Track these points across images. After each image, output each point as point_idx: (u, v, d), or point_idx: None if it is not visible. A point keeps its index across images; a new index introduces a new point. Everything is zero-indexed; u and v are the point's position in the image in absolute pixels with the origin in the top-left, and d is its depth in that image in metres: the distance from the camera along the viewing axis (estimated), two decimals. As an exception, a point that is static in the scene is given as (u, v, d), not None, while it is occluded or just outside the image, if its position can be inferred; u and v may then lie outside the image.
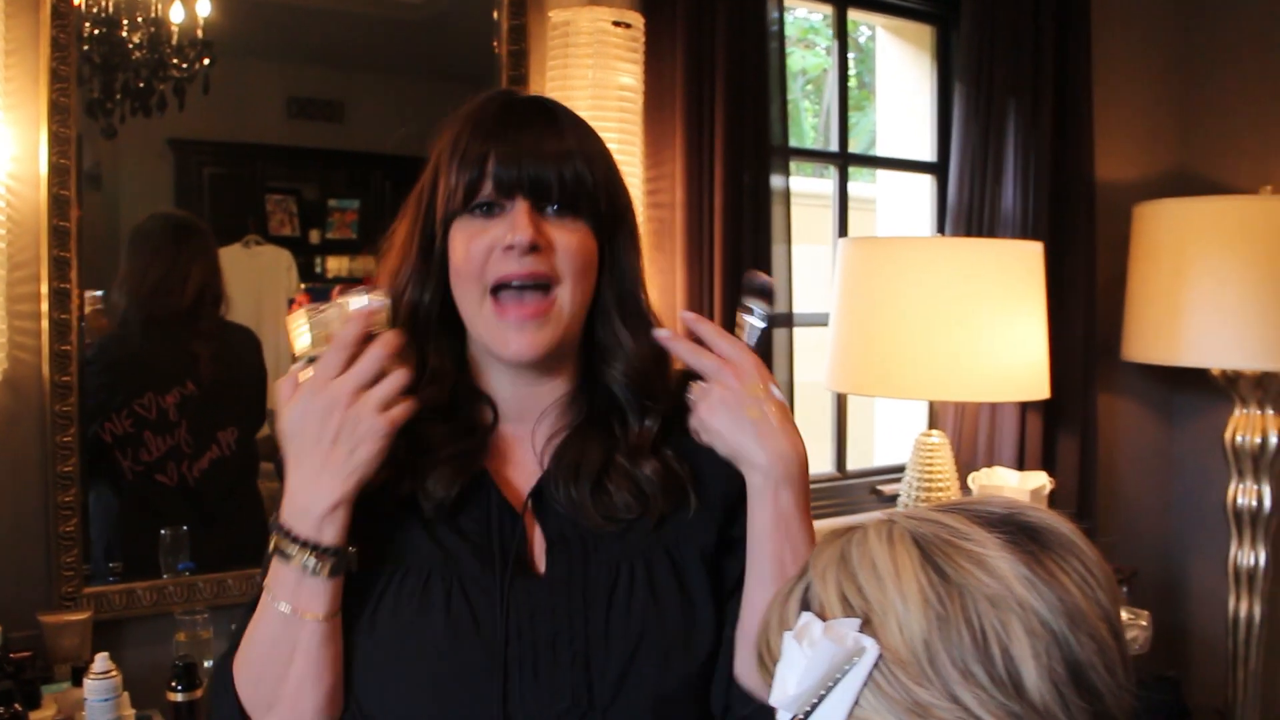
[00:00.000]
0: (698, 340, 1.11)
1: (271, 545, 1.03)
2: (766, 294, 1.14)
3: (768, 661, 0.81)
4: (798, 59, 5.71)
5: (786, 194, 2.64)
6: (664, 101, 2.42)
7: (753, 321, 1.12)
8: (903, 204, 3.35)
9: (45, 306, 1.93)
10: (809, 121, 6.02)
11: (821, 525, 1.00)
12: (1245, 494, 3.04)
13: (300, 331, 1.04)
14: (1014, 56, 2.94)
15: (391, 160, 2.28)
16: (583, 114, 2.23)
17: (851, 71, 3.57)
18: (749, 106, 2.51)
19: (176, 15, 2.04)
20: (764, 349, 1.15)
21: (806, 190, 3.93)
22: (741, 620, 1.10)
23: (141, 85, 2.02)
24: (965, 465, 2.89)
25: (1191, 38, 3.54)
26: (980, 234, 2.94)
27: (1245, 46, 3.41)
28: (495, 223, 1.08)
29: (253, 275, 2.19)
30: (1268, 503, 3.02)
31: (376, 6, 2.28)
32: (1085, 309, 3.10)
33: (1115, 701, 0.74)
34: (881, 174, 3.46)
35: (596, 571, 1.10)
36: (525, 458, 1.16)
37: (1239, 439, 3.03)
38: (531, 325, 1.08)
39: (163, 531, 2.06)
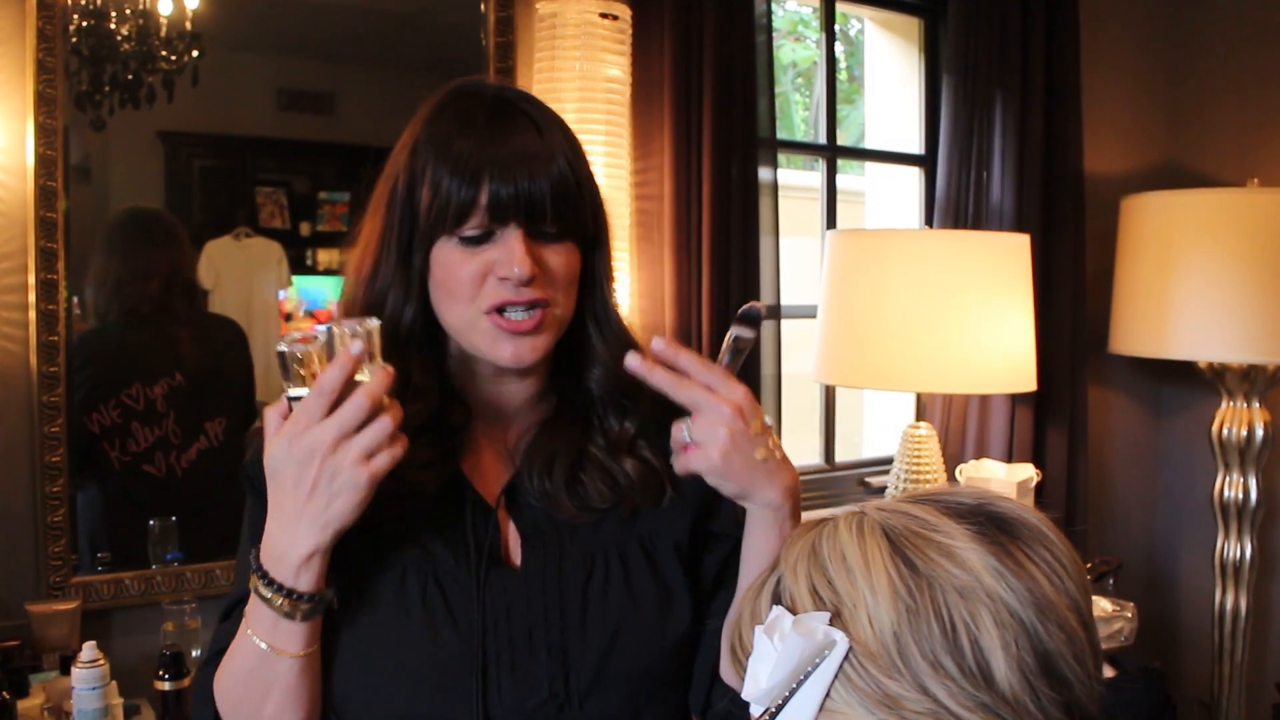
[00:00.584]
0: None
1: (250, 582, 1.01)
2: (756, 322, 1.10)
3: (740, 656, 0.82)
4: (788, 52, 5.70)
5: (775, 186, 2.65)
6: (652, 94, 2.41)
7: (739, 346, 1.09)
8: (891, 197, 3.35)
9: (32, 298, 1.93)
10: (800, 114, 6.02)
11: (804, 517, 1.00)
12: (1232, 487, 3.05)
13: (287, 362, 0.98)
14: (1002, 50, 2.94)
15: (382, 152, 2.28)
16: (570, 106, 2.20)
17: (841, 65, 3.57)
18: (737, 99, 2.51)
19: (165, 8, 2.04)
20: (746, 363, 1.14)
21: (795, 183, 3.93)
22: (728, 623, 1.10)
23: (130, 78, 2.02)
24: (953, 457, 2.90)
25: (1179, 31, 3.54)
26: (968, 226, 2.94)
27: (1232, 40, 3.41)
28: (486, 248, 1.05)
29: (243, 268, 2.19)
30: (1254, 495, 3.03)
31: (365, -1, 2.28)
32: (1073, 302, 3.10)
33: (1085, 690, 0.75)
34: (870, 167, 3.46)
35: (572, 564, 1.10)
36: (498, 454, 1.16)
37: (1226, 432, 3.04)
38: (530, 334, 1.07)
39: (151, 522, 2.07)
